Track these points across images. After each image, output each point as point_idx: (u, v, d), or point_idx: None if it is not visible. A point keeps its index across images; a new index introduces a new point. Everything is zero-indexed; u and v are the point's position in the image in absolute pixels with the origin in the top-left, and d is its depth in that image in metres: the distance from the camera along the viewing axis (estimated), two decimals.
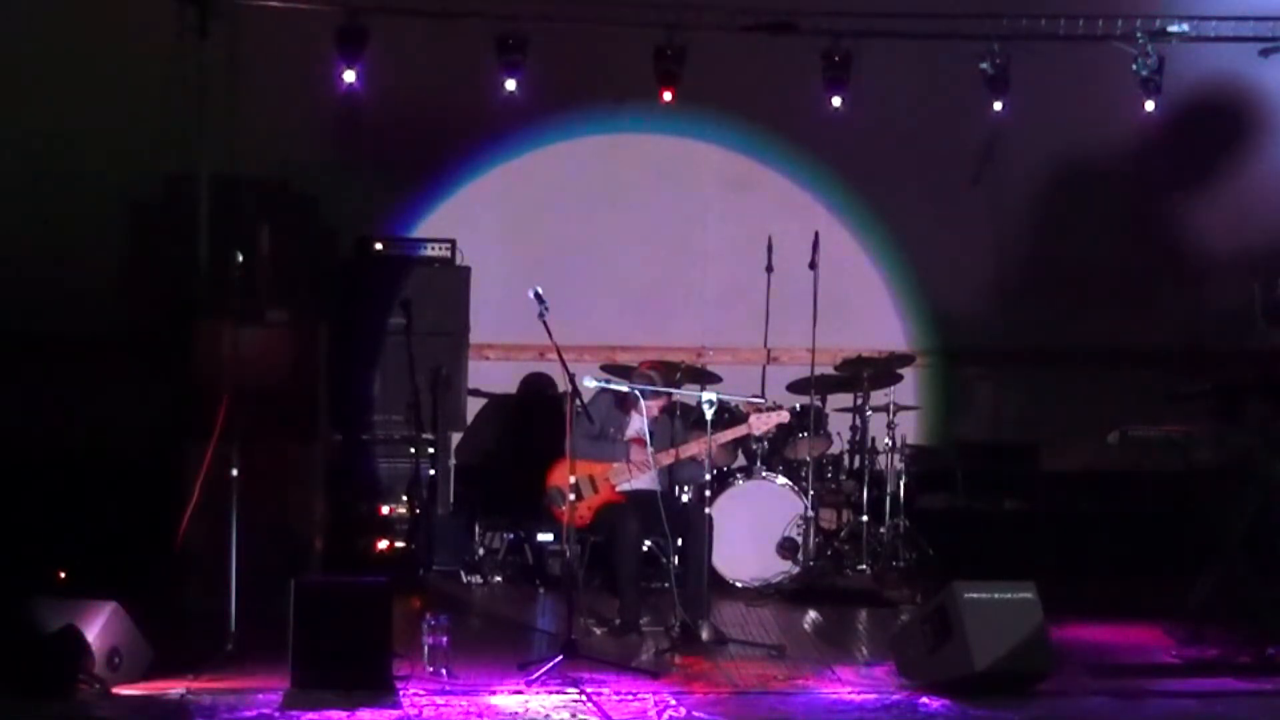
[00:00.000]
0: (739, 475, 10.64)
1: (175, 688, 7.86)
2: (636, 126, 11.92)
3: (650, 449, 9.30)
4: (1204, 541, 9.34)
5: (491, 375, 11.77)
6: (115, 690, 7.74)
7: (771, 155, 12.02)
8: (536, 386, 11.70)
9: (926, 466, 11.28)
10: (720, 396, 9.18)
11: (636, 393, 9.37)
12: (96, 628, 7.74)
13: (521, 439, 11.42)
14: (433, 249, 11.15)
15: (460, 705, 7.69)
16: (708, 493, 9.20)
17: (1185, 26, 11.46)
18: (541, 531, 10.47)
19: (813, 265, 11.00)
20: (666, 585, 9.24)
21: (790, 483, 10.51)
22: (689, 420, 10.15)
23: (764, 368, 12.04)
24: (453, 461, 11.24)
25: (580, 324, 10.88)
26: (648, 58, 11.25)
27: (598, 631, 9.23)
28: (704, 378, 10.88)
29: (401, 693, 7.74)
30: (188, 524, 8.81)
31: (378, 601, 7.81)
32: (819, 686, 8.20)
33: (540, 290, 8.68)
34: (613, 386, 9.41)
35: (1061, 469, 11.63)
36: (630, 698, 7.88)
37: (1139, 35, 11.40)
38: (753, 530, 10.37)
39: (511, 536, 10.77)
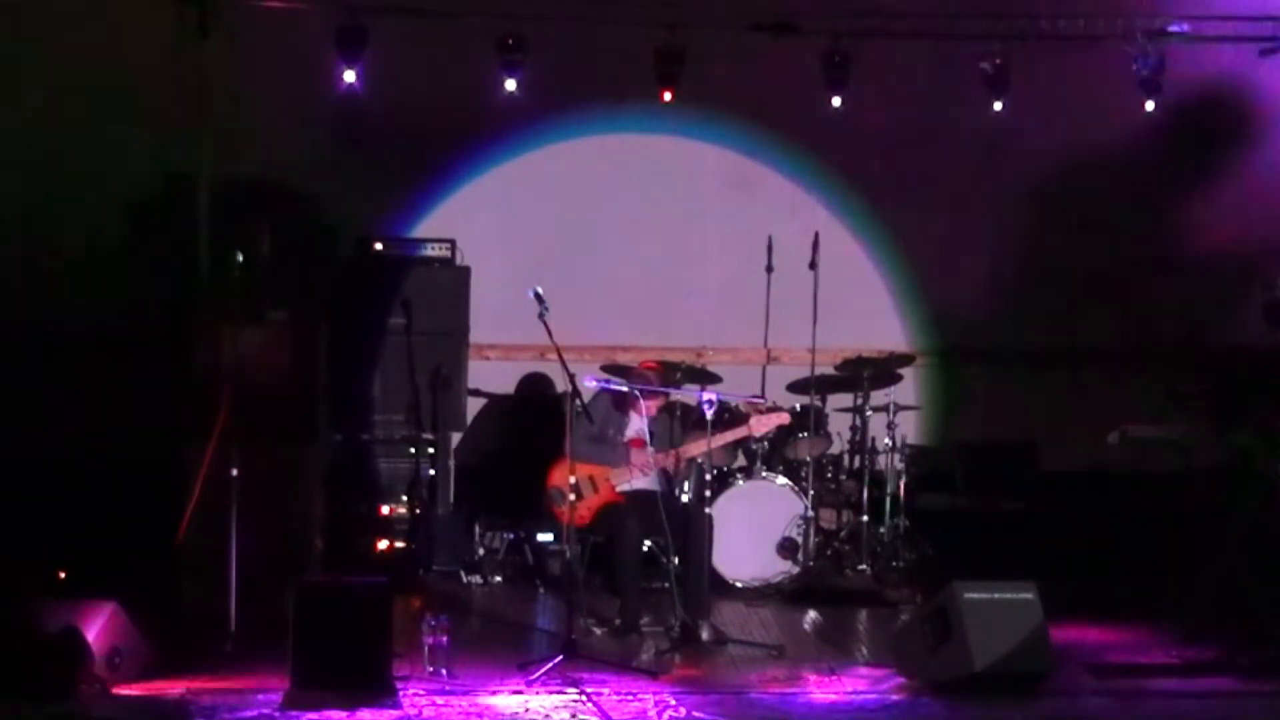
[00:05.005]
0: (739, 475, 10.63)
1: (175, 688, 7.87)
2: (636, 126, 11.91)
3: (650, 449, 9.31)
4: (1204, 541, 9.33)
5: (491, 375, 11.76)
6: (115, 690, 7.74)
7: (771, 155, 12.00)
8: (536, 387, 11.69)
9: (926, 466, 11.28)
10: (720, 396, 9.19)
11: (636, 393, 9.38)
12: (96, 628, 7.75)
13: (521, 439, 11.40)
14: (433, 249, 11.14)
15: (460, 705, 7.69)
16: (708, 493, 9.21)
17: (1185, 26, 11.45)
18: (541, 531, 10.47)
19: (813, 265, 10.99)
20: (666, 585, 9.23)
21: (790, 483, 10.50)
22: (689, 420, 10.15)
23: (764, 368, 12.03)
24: (453, 461, 11.23)
25: (580, 324, 10.87)
26: (648, 58, 11.24)
27: (598, 631, 9.23)
28: (704, 378, 10.88)
29: (401, 693, 7.74)
30: (188, 524, 8.81)
31: (378, 601, 7.81)
32: (819, 686, 8.20)
33: (540, 290, 8.68)
34: (613, 387, 9.42)
35: (1061, 469, 11.60)
36: (630, 698, 7.88)
37: (1139, 35, 11.39)
38: (753, 530, 10.36)
39: (511, 536, 10.76)
